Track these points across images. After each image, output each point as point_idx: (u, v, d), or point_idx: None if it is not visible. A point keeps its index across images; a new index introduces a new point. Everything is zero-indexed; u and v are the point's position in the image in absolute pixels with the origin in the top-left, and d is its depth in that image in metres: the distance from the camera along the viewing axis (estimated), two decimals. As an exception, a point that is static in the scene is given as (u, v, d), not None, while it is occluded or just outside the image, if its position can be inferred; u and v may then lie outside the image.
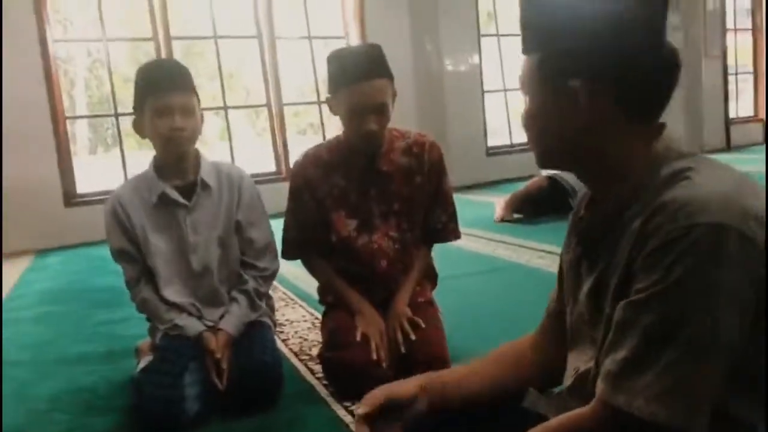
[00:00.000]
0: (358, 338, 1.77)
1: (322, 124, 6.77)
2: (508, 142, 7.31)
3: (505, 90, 7.39)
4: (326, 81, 1.85)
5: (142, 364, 1.94)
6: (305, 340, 2.32)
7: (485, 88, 7.00)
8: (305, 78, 6.87)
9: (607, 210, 0.83)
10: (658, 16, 0.79)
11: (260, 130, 17.19)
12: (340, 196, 1.92)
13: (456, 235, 2.04)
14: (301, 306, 2.79)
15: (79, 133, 17.63)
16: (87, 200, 5.24)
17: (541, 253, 3.34)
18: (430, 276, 2.07)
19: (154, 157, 1.89)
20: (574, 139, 0.82)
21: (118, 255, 1.89)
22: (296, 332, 2.44)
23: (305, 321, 2.56)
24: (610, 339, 0.77)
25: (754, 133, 8.68)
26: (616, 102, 0.79)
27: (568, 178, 4.53)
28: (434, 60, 6.56)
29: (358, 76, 1.73)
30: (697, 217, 0.70)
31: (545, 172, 4.62)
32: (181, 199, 1.86)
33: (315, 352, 2.16)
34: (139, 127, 1.84)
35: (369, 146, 1.85)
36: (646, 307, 0.72)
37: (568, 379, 0.94)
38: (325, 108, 7.11)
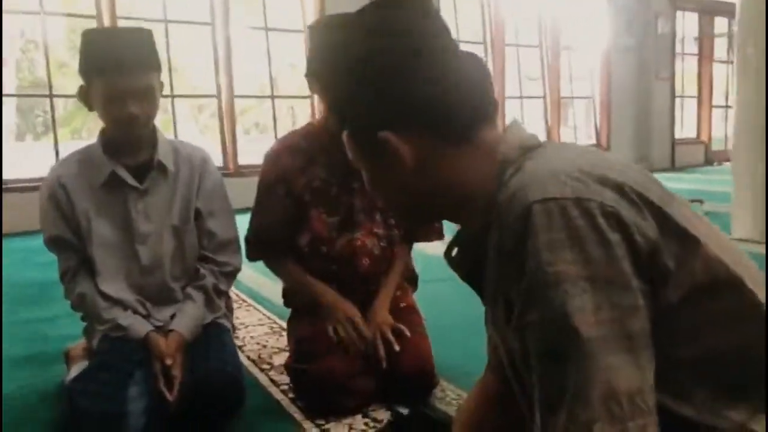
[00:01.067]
0: (331, 333, 1.56)
1: (275, 120, 6.50)
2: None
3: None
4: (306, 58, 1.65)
5: (75, 371, 1.66)
6: (264, 346, 2.09)
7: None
8: (258, 71, 6.58)
9: (467, 242, 0.79)
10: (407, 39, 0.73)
11: (202, 127, 16.61)
12: (319, 190, 1.69)
13: (439, 234, 1.85)
14: (256, 309, 2.54)
15: (6, 117, 16.57)
16: (11, 187, 4.80)
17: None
18: (410, 278, 1.88)
19: (102, 131, 1.62)
20: (418, 187, 0.75)
21: (54, 243, 1.61)
22: (252, 337, 2.20)
23: (262, 325, 2.32)
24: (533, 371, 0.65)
25: (696, 154, 9.00)
26: (424, 135, 0.73)
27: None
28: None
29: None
30: (529, 196, 0.63)
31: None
32: (132, 181, 1.60)
33: (277, 360, 1.94)
34: (85, 98, 1.56)
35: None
36: (527, 328, 0.62)
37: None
38: (279, 103, 6.94)
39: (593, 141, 8.52)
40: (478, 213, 0.73)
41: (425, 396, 1.61)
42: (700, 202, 4.53)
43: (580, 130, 8.70)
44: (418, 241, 1.84)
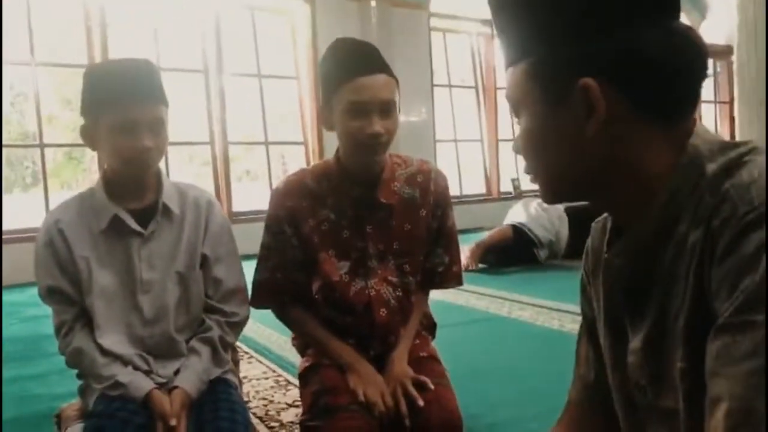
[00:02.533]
0: (362, 398, 1.43)
1: (269, 167, 6.45)
2: (458, 193, 7.19)
3: (456, 140, 7.34)
4: (320, 88, 1.57)
5: (70, 434, 1.52)
6: (270, 401, 1.95)
7: (437, 138, 6.91)
8: (248, 118, 6.56)
9: (645, 238, 0.66)
10: None
11: (194, 176, 16.56)
12: (329, 233, 1.58)
13: (459, 280, 1.73)
14: (259, 361, 2.40)
15: (-5, 170, 16.46)
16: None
17: (521, 305, 3.11)
18: (428, 326, 1.77)
19: (105, 173, 1.53)
20: (590, 154, 0.65)
21: (50, 295, 1.49)
22: (258, 392, 2.06)
23: (266, 378, 2.18)
24: (709, 391, 0.54)
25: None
26: (634, 97, 0.63)
27: (534, 228, 4.40)
28: (388, 106, 6.43)
29: (359, 70, 1.45)
30: None
31: (509, 221, 4.48)
32: (136, 226, 1.49)
33: (285, 417, 1.80)
34: (89, 137, 1.48)
35: (371, 157, 1.52)
36: (741, 332, 0.52)
37: None
38: (273, 150, 6.89)
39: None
40: (657, 206, 0.64)
41: (454, 453, 1.48)
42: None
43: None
44: (435, 288, 1.74)
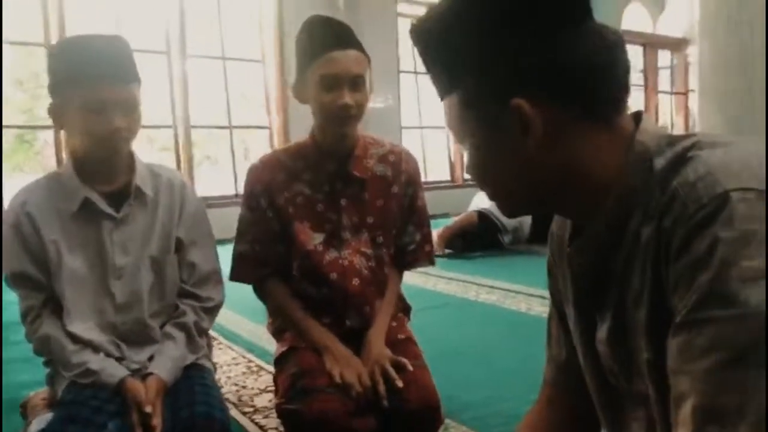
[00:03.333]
0: (338, 380, 1.44)
1: (233, 151, 6.35)
2: (424, 179, 7.21)
3: (422, 127, 7.35)
4: (294, 65, 1.59)
5: (38, 425, 1.47)
6: (243, 387, 1.94)
7: (403, 124, 6.91)
8: (210, 101, 6.44)
9: (600, 235, 0.68)
10: None
11: (151, 160, 16.16)
12: (303, 206, 1.61)
13: (430, 258, 1.77)
14: (229, 347, 2.38)
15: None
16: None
17: (488, 289, 3.15)
18: (403, 309, 1.78)
19: (74, 154, 1.48)
20: (537, 168, 0.67)
21: (16, 280, 1.44)
22: (229, 378, 2.04)
23: (237, 364, 2.16)
24: (673, 388, 0.56)
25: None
26: (564, 104, 0.64)
27: (499, 213, 4.45)
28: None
29: (331, 44, 1.51)
30: (723, 185, 0.56)
31: (475, 207, 4.52)
32: (108, 209, 1.45)
33: (259, 402, 1.80)
34: (57, 117, 1.42)
35: (342, 128, 1.57)
36: (697, 328, 0.54)
37: None
38: (237, 134, 6.78)
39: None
40: (610, 205, 0.66)
41: (433, 434, 1.50)
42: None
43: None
44: (408, 267, 1.76)
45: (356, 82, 1.52)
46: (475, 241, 4.33)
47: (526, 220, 4.56)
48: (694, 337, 0.54)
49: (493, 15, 0.64)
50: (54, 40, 5.02)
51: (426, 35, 0.70)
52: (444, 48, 0.68)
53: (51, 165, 5.65)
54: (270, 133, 6.37)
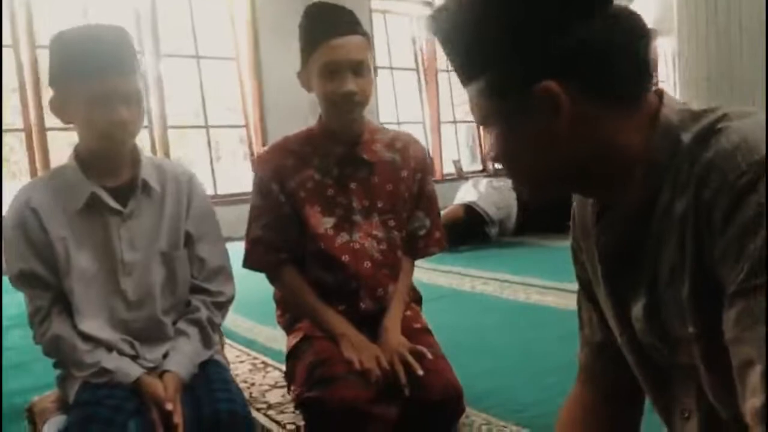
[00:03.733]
0: (357, 366, 1.42)
1: (210, 150, 6.26)
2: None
3: (399, 123, 7.35)
4: (299, 53, 1.58)
5: (52, 427, 1.43)
6: (252, 384, 1.91)
7: (380, 119, 6.89)
8: (191, 99, 6.34)
9: (629, 212, 0.69)
10: None
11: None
12: (314, 190, 1.61)
13: (441, 245, 1.77)
14: (231, 346, 2.34)
15: None
16: None
17: (484, 280, 3.16)
18: (415, 298, 1.77)
19: (78, 149, 1.43)
20: (566, 150, 0.67)
21: (22, 280, 1.39)
22: (237, 375, 2.00)
23: (242, 362, 2.13)
24: (734, 357, 0.56)
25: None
26: (590, 85, 0.65)
27: (485, 206, 4.48)
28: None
29: (331, 32, 1.50)
30: (761, 150, 0.57)
31: (460, 201, 4.54)
32: (115, 204, 1.41)
33: (272, 398, 1.77)
34: (59, 110, 1.38)
35: (348, 116, 1.56)
36: (753, 295, 0.54)
37: (681, 423, 0.73)
38: (213, 133, 6.68)
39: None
40: (637, 181, 0.66)
41: (454, 423, 1.49)
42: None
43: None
44: (419, 255, 1.75)
45: (358, 68, 1.51)
46: (462, 234, 4.34)
47: (512, 212, 4.59)
48: (752, 305, 0.54)
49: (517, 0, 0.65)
50: (22, 42, 4.88)
51: (448, 22, 0.70)
52: (468, 34, 0.68)
53: (20, 170, 5.50)
54: (247, 132, 6.30)
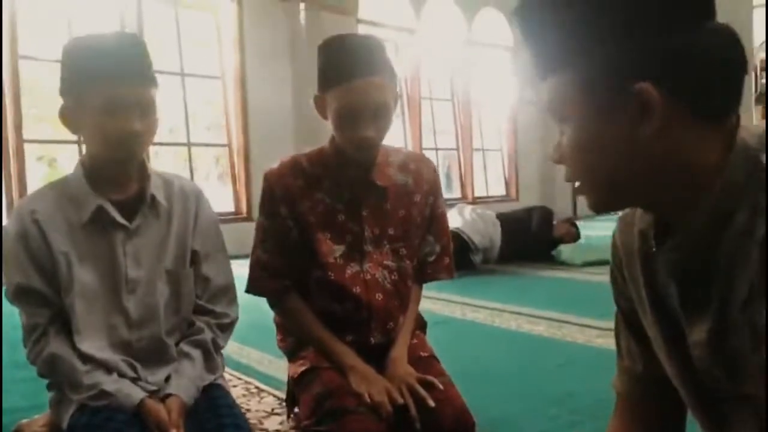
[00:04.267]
0: (367, 399, 1.38)
1: (191, 168, 6.17)
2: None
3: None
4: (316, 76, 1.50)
5: (43, 453, 1.36)
6: (248, 410, 1.84)
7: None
8: (175, 117, 6.27)
9: (700, 230, 0.66)
10: None
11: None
12: (324, 216, 1.54)
13: (450, 272, 1.72)
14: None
15: None
16: None
17: (473, 307, 3.14)
18: (420, 325, 1.73)
19: (84, 160, 1.38)
20: (643, 157, 0.65)
21: (20, 295, 1.33)
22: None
23: (235, 386, 2.06)
24: None
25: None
26: (683, 95, 0.63)
27: (470, 233, 4.47)
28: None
29: (353, 73, 1.41)
30: None
31: (446, 227, 4.53)
32: (121, 219, 1.36)
33: (269, 425, 1.71)
34: (70, 119, 1.33)
35: (363, 155, 1.52)
36: None
37: None
38: (196, 152, 6.60)
39: (503, 191, 8.83)
40: (712, 201, 0.64)
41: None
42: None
43: (491, 180, 8.97)
44: (427, 280, 1.72)
45: (378, 114, 1.44)
46: (447, 260, 4.33)
47: (496, 241, 4.60)
48: None
49: None
50: (6, 51, 4.77)
51: (540, 7, 0.67)
52: (561, 22, 0.65)
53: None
54: (230, 151, 6.24)
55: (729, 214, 0.63)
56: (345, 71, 1.41)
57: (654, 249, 0.72)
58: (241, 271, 1.55)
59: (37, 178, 6.13)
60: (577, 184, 0.72)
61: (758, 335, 0.62)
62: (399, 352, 1.54)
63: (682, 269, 0.69)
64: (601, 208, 0.72)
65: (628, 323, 0.84)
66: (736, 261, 0.63)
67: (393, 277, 1.57)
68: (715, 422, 0.73)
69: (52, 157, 9.82)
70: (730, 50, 0.65)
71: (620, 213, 0.82)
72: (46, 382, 1.40)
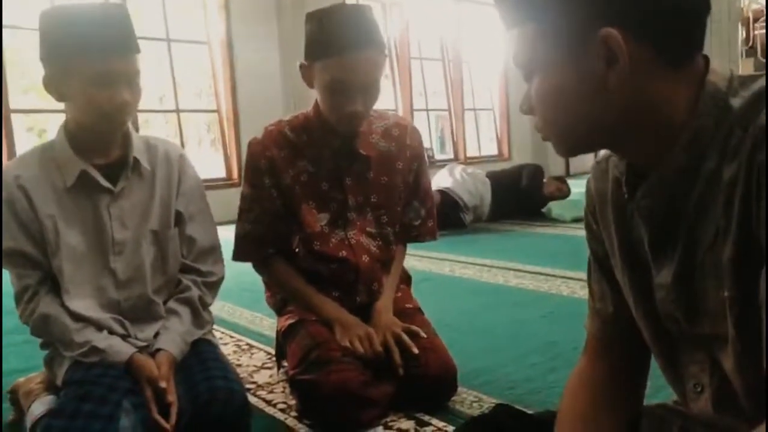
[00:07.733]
0: (347, 345, 1.44)
1: (181, 136, 6.16)
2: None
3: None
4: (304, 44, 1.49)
5: (40, 407, 1.42)
6: (239, 365, 1.90)
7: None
8: (163, 84, 6.22)
9: (671, 176, 0.66)
10: None
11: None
12: (308, 185, 1.57)
13: (433, 234, 1.77)
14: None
15: None
16: None
17: (462, 264, 3.20)
18: (405, 279, 1.79)
19: (67, 125, 1.40)
20: (612, 104, 0.64)
21: (11, 258, 1.36)
22: (222, 357, 1.99)
23: (226, 344, 2.12)
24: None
25: (587, 161, 9.55)
26: (648, 41, 0.62)
27: (461, 192, 4.51)
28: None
29: (345, 46, 1.39)
30: None
31: (436, 186, 4.56)
32: (105, 183, 1.39)
33: (259, 379, 1.77)
34: (55, 88, 1.33)
35: (349, 128, 1.53)
36: None
37: (694, 396, 0.74)
38: (186, 118, 6.57)
39: (496, 151, 8.84)
40: (682, 145, 0.64)
41: (448, 399, 1.52)
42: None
43: (484, 139, 8.96)
44: (411, 241, 1.76)
45: (367, 89, 1.44)
46: (438, 219, 4.36)
47: (486, 199, 4.64)
48: None
49: None
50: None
51: None
52: None
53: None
54: (219, 117, 6.21)
55: (698, 159, 0.64)
56: (335, 44, 1.39)
57: (626, 195, 0.73)
58: (232, 235, 1.59)
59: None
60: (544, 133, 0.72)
61: (720, 273, 0.63)
62: (384, 302, 1.60)
63: (653, 215, 0.69)
64: (564, 153, 0.73)
65: (600, 266, 0.85)
66: (704, 205, 0.64)
67: (377, 242, 1.62)
68: (670, 363, 0.76)
69: (41, 128, 9.74)
70: None
71: (596, 159, 0.83)
72: (40, 343, 1.44)
